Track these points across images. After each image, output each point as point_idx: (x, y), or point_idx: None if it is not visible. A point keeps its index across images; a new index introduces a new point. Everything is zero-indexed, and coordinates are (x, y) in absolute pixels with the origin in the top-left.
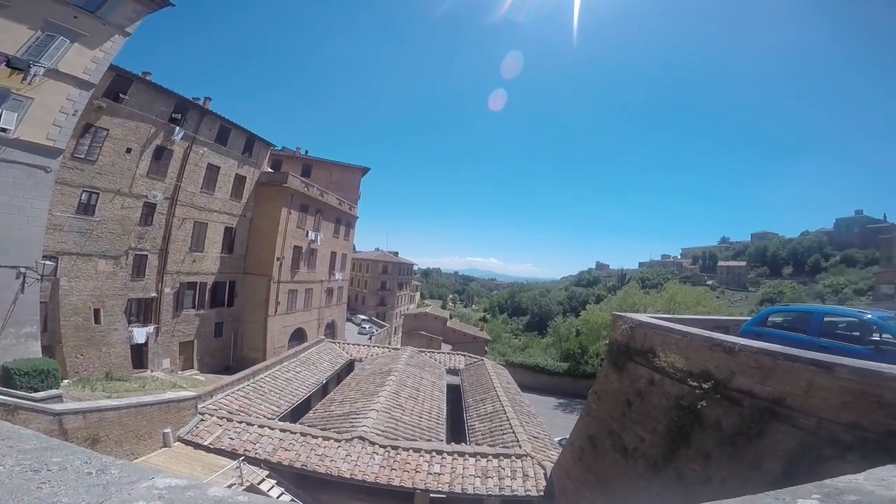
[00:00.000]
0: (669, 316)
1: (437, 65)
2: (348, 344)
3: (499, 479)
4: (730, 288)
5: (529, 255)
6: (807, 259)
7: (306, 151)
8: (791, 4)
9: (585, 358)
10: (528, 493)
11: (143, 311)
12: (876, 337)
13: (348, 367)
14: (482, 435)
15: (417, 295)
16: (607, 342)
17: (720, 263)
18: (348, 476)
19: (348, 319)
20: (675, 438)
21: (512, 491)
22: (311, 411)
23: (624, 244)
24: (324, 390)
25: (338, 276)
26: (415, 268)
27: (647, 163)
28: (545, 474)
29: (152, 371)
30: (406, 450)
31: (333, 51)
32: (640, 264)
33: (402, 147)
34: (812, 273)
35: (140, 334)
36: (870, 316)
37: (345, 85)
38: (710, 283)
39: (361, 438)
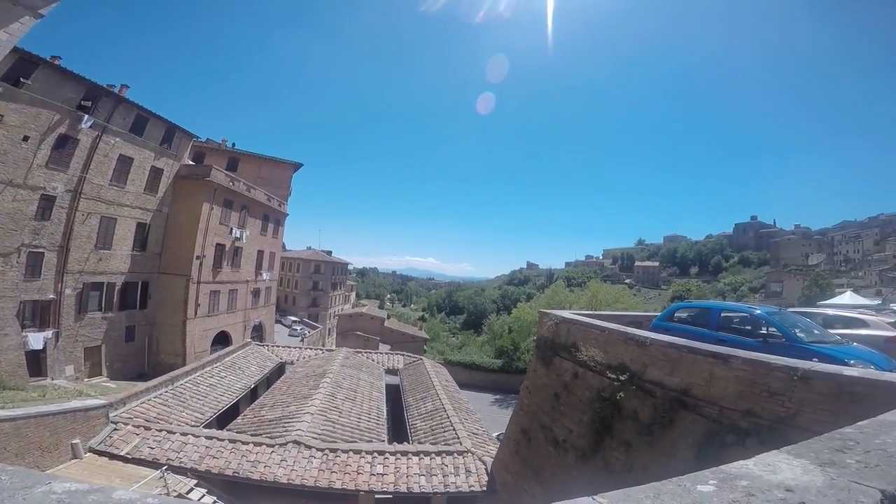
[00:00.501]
0: (591, 312)
1: (379, 62)
2: (278, 347)
3: (443, 477)
4: (645, 286)
5: (466, 254)
6: (710, 260)
7: (233, 144)
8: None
9: (518, 354)
10: (471, 488)
11: (39, 314)
12: (764, 330)
13: (279, 371)
14: (424, 433)
15: (353, 295)
16: (535, 338)
17: (637, 263)
18: (285, 481)
19: (278, 321)
20: (599, 429)
21: (456, 487)
22: (240, 417)
23: (552, 245)
24: (252, 395)
25: (265, 275)
26: (350, 267)
27: (573, 169)
28: (486, 469)
29: (53, 379)
30: (346, 452)
31: (274, 44)
32: (567, 264)
33: (340, 145)
34: (715, 272)
35: (36, 339)
36: (759, 311)
37: (285, 80)
38: (627, 281)
39: (296, 443)
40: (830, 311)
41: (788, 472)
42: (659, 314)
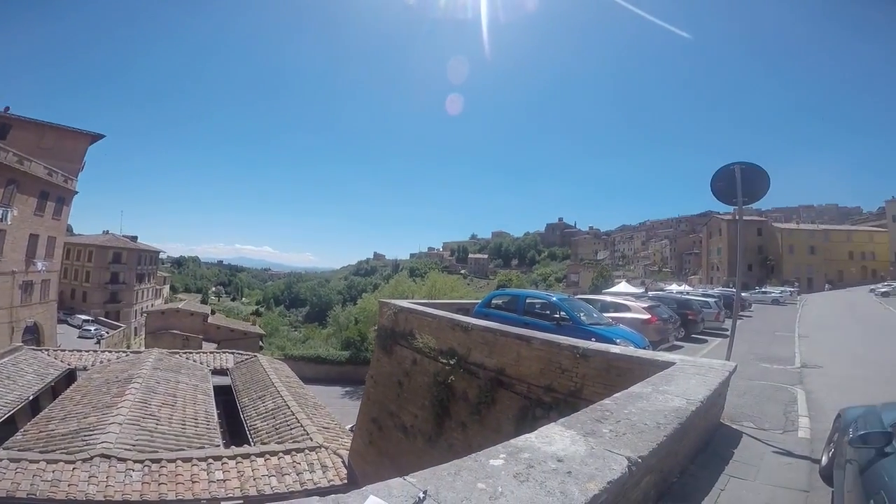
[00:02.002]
0: (425, 301)
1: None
2: (64, 351)
3: (297, 475)
4: (477, 276)
5: (308, 243)
6: (527, 254)
7: (7, 108)
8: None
9: (365, 345)
10: (331, 483)
11: None
12: (557, 315)
13: (68, 379)
14: (267, 433)
15: (166, 289)
16: (376, 328)
17: (470, 256)
18: (102, 499)
19: (62, 321)
20: (439, 412)
21: (314, 484)
22: (20, 433)
23: (399, 236)
24: (33, 408)
25: (40, 265)
26: (163, 256)
27: (419, 162)
28: (344, 462)
29: None
30: (172, 461)
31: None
32: (412, 255)
33: (155, 119)
34: (530, 264)
35: None
36: (554, 298)
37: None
38: (463, 271)
39: (105, 456)
40: (608, 298)
41: (560, 444)
42: (480, 301)
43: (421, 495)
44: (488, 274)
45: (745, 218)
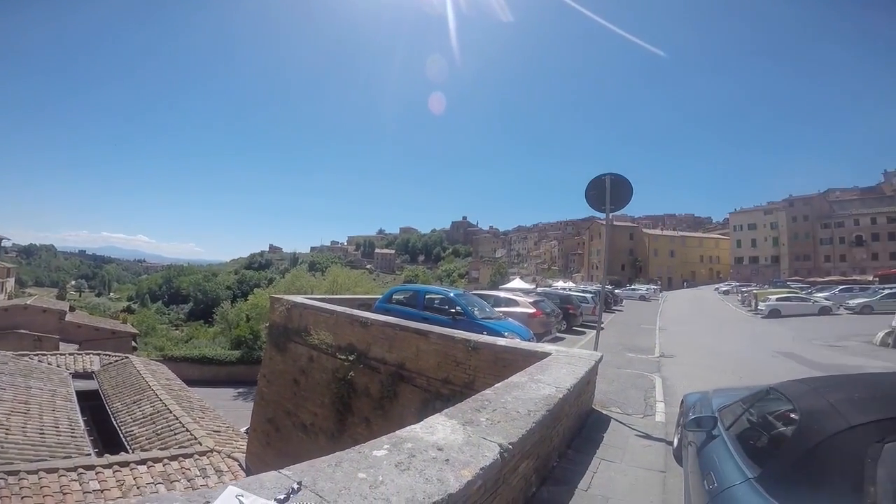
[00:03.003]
0: (323, 297)
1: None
2: None
3: (188, 481)
4: (383, 271)
5: (192, 233)
6: (433, 250)
7: None
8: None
9: (258, 343)
10: None
11: None
12: (453, 309)
13: None
14: (147, 440)
15: (10, 282)
16: (267, 325)
17: (377, 251)
18: None
19: None
20: (341, 409)
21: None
22: None
23: (299, 228)
24: None
25: None
26: (6, 243)
27: (321, 151)
28: (241, 465)
29: None
30: (34, 472)
31: None
32: (313, 248)
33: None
34: (436, 261)
35: None
36: (451, 294)
37: None
38: (368, 266)
39: None
40: (500, 294)
41: (442, 433)
42: (380, 297)
43: (295, 486)
44: (395, 269)
45: (619, 224)
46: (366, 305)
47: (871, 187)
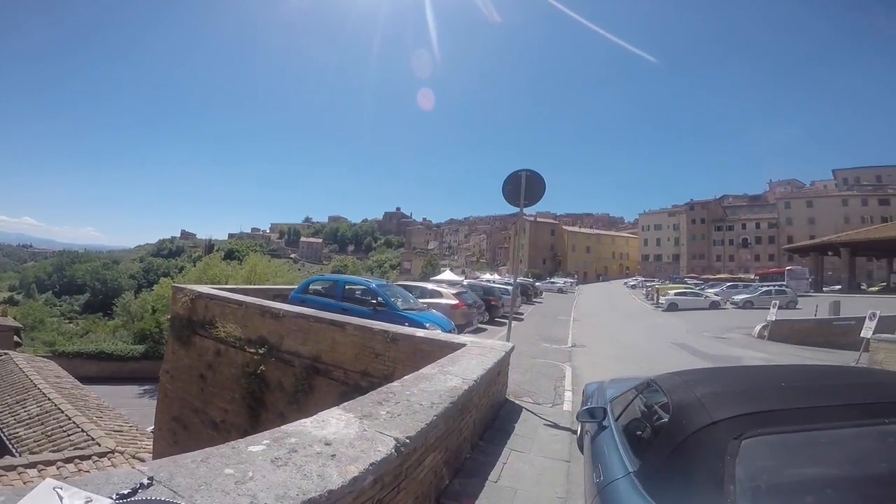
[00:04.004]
0: (234, 286)
1: None
2: None
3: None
4: (309, 261)
5: (89, 216)
6: (364, 240)
7: None
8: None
9: (165, 337)
10: None
11: None
12: (374, 300)
13: None
14: (36, 442)
15: None
16: (169, 317)
17: (303, 239)
18: None
19: None
20: (253, 404)
21: None
22: None
23: (216, 213)
24: None
25: None
26: None
27: (242, 133)
28: None
29: None
30: None
31: None
32: (231, 235)
33: None
34: (367, 251)
35: None
36: (373, 284)
37: None
38: (293, 256)
39: None
40: (427, 285)
41: (334, 427)
42: (296, 287)
43: (145, 481)
44: (322, 259)
45: (542, 221)
46: (282, 296)
47: (758, 195)
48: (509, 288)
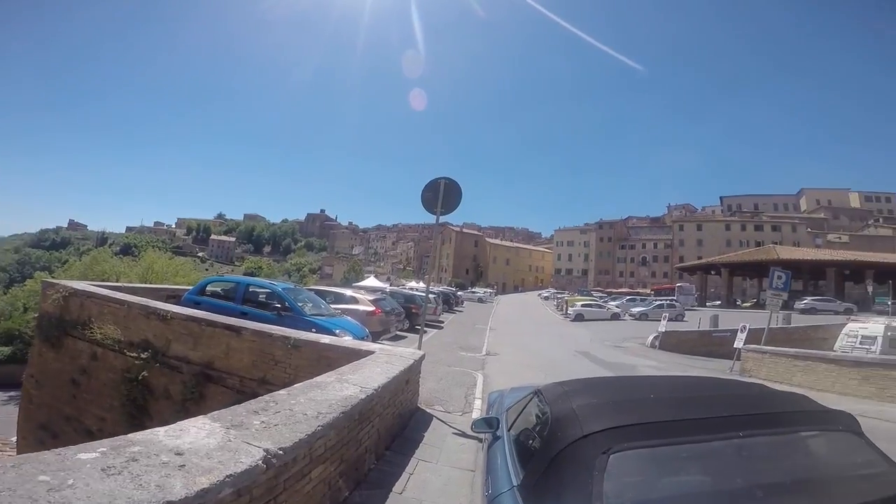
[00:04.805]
0: (121, 285)
1: None
2: None
3: None
4: (219, 261)
5: None
6: (283, 242)
7: None
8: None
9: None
10: None
11: None
12: (279, 305)
13: None
14: None
15: None
16: (37, 315)
17: (213, 237)
18: None
19: None
20: (134, 412)
21: None
22: None
23: (112, 204)
24: None
25: None
26: None
27: (149, 124)
28: None
29: None
30: None
31: None
32: (129, 229)
33: None
34: (285, 253)
35: None
36: (278, 288)
37: None
38: (201, 254)
39: None
40: (341, 291)
41: (191, 437)
42: (191, 288)
43: None
44: (234, 259)
45: (468, 232)
46: (176, 297)
47: (658, 217)
48: (431, 296)
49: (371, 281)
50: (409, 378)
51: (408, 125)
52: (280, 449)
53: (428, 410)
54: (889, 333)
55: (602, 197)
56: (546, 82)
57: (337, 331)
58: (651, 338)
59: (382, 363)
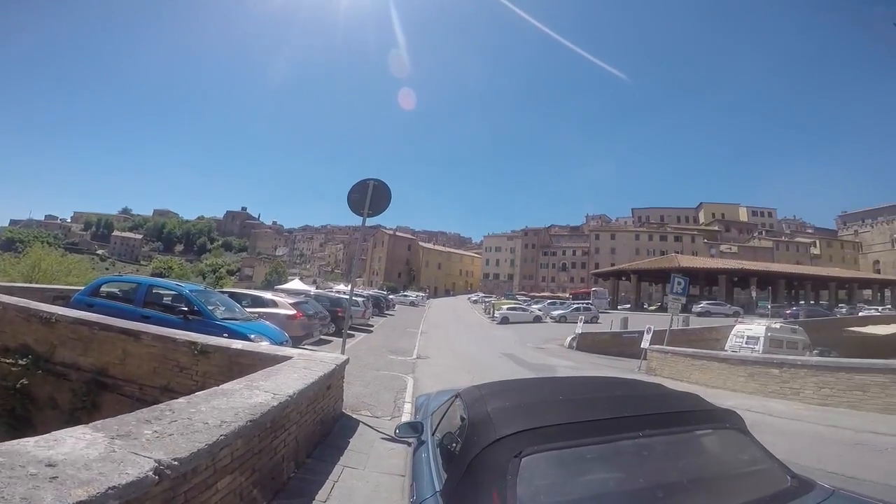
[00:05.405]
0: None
1: None
2: None
3: None
4: (122, 259)
5: None
6: (197, 240)
7: None
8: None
9: None
10: None
11: None
12: (186, 308)
13: None
14: None
15: None
16: None
17: (115, 233)
18: None
19: None
20: (14, 424)
21: None
22: None
23: None
24: None
25: None
26: None
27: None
28: None
29: None
30: None
31: None
32: (14, 222)
33: None
34: (199, 253)
35: None
36: (186, 289)
37: None
38: (101, 252)
39: None
40: (261, 294)
41: (68, 447)
42: (83, 288)
43: None
44: (140, 258)
45: (401, 235)
46: (65, 298)
47: (578, 226)
48: (359, 300)
49: (295, 284)
50: (330, 383)
51: (337, 122)
52: (175, 459)
53: (354, 416)
54: (769, 334)
55: (529, 205)
56: (477, 94)
57: (252, 336)
58: (569, 339)
59: (300, 369)
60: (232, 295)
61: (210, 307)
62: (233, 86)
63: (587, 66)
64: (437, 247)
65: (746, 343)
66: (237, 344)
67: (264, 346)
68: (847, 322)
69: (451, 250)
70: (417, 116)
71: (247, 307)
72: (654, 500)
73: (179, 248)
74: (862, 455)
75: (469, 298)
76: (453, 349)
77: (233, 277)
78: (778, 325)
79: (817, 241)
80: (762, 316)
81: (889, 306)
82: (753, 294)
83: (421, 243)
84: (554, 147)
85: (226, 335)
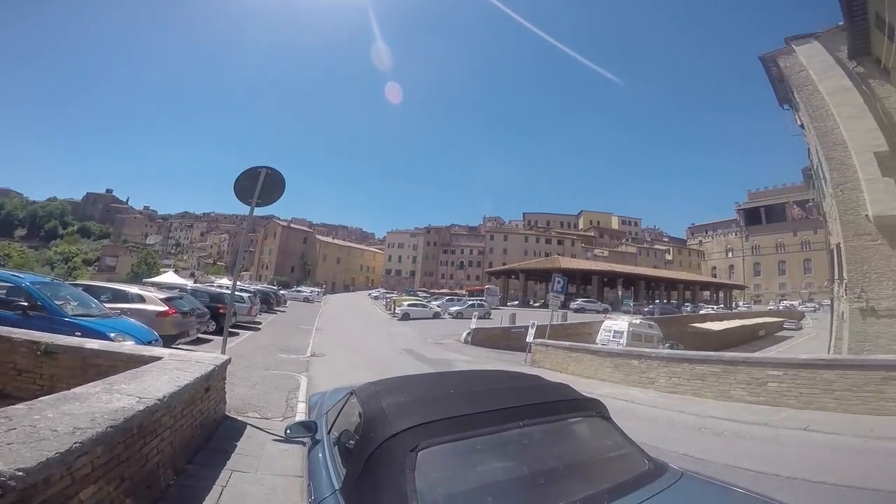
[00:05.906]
0: None
1: None
2: None
3: None
4: None
5: None
6: (46, 224)
7: None
8: None
9: None
10: None
11: None
12: (26, 303)
13: None
14: None
15: None
16: None
17: None
18: None
19: None
20: None
21: None
22: None
23: None
24: None
25: None
26: None
27: None
28: None
29: None
30: None
31: None
32: None
33: None
34: (48, 239)
35: None
36: (26, 281)
37: None
38: None
39: None
40: (126, 288)
41: None
42: None
43: None
44: None
45: (296, 227)
46: None
47: (475, 227)
48: (245, 295)
49: (169, 276)
50: (209, 385)
51: (230, 106)
52: (18, 470)
53: (240, 418)
54: (631, 329)
55: (432, 204)
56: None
57: (112, 334)
58: (465, 334)
59: (172, 370)
60: (87, 288)
61: (58, 302)
62: (110, 42)
63: (499, 82)
64: (336, 241)
65: (613, 337)
66: (93, 343)
67: (128, 346)
68: (691, 319)
69: (352, 245)
70: (325, 107)
71: (106, 302)
72: (535, 486)
73: (21, 232)
74: (705, 438)
75: (370, 294)
76: (351, 346)
77: (90, 268)
78: (638, 321)
79: (671, 249)
80: (626, 312)
81: (722, 305)
82: (619, 293)
83: (318, 236)
84: (459, 149)
85: (78, 334)
